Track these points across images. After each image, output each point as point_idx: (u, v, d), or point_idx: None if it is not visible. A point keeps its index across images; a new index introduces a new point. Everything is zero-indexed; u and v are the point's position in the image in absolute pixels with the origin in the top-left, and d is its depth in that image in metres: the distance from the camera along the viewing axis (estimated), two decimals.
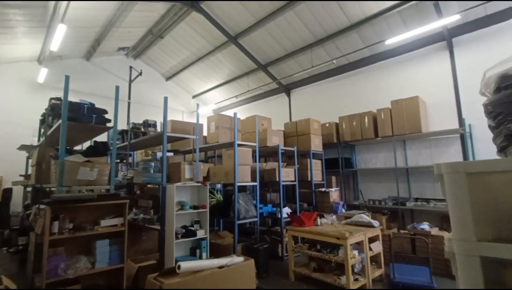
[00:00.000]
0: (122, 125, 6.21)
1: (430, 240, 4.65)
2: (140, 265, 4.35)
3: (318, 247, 4.34)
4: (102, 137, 5.51)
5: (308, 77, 9.49)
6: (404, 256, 3.92)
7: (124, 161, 8.03)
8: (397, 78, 7.46)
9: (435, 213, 6.45)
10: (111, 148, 4.42)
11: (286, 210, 5.87)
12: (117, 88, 4.35)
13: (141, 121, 6.31)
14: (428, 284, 3.85)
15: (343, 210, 6.37)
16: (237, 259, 3.93)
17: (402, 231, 5.32)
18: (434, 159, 6.70)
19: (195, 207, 4.40)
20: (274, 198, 7.43)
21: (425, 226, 4.99)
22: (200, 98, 13.44)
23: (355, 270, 4.17)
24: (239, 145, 5.38)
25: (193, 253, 4.32)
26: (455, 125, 6.35)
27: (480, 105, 5.64)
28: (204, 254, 4.21)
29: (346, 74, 8.61)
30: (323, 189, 6.99)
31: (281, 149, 6.25)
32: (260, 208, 6.01)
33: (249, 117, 6.93)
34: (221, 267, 3.71)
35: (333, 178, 7.58)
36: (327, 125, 7.92)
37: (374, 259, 4.50)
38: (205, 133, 6.52)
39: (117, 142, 6.16)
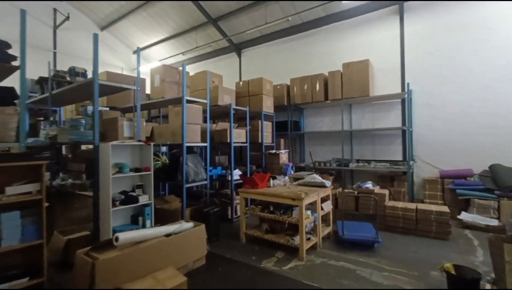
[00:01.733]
0: (42, 73, 4.82)
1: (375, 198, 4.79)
2: (69, 238, 3.57)
3: (271, 208, 4.09)
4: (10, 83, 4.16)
5: (260, 36, 8.76)
6: (353, 213, 3.96)
7: (51, 119, 6.51)
8: (350, 41, 7.27)
9: (373, 173, 6.80)
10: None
11: (237, 173, 5.49)
12: (23, 12, 3.13)
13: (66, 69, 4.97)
14: (374, 239, 3.95)
15: (292, 172, 6.25)
16: (186, 225, 3.44)
17: (346, 191, 5.43)
18: (376, 123, 6.92)
19: (136, 170, 3.65)
20: (223, 160, 6.97)
21: (369, 185, 5.14)
22: (142, 54, 11.59)
23: (307, 230, 4.08)
24: (188, 101, 4.62)
25: (135, 221, 3.66)
26: (398, 90, 6.53)
27: (421, 71, 5.73)
28: (148, 222, 3.60)
29: (299, 34, 8.12)
30: (273, 151, 6.75)
31: (233, 109, 5.67)
32: (210, 170, 5.50)
33: (199, 72, 6.08)
34: (168, 235, 3.18)
35: (282, 141, 7.39)
36: (278, 87, 7.49)
37: (324, 218, 4.47)
38: (148, 91, 5.50)
39: (36, 94, 4.81)
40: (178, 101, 4.66)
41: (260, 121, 6.55)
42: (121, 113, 6.08)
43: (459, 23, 5.96)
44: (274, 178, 4.69)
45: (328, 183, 4.31)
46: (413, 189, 6.10)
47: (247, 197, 4.33)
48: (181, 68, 4.79)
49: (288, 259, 3.72)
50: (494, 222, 5.09)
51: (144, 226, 3.55)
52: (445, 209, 4.70)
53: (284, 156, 6.76)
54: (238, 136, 5.72)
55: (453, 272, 2.91)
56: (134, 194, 3.54)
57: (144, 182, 3.78)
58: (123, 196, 3.44)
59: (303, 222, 3.61)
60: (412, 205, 4.94)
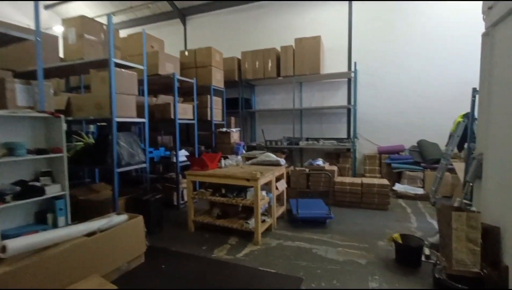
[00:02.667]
0: None
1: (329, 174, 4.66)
2: None
3: (223, 191, 3.57)
4: None
5: (208, 3, 7.74)
6: (306, 191, 3.73)
7: None
8: (302, 17, 6.87)
9: (320, 150, 6.81)
10: None
11: (183, 153, 4.76)
12: None
13: None
14: (327, 215, 3.79)
15: (244, 151, 5.80)
16: (118, 218, 2.68)
17: (298, 168, 5.23)
18: (325, 102, 6.85)
19: (40, 152, 2.65)
20: (167, 141, 6.10)
21: (320, 162, 5.01)
22: (57, 10, 9.01)
23: (262, 211, 3.71)
24: (118, 65, 3.62)
25: (42, 220, 2.73)
26: (345, 69, 6.49)
27: (367, 52, 5.59)
28: (61, 219, 2.71)
29: (251, 5, 7.36)
30: (223, 130, 6.11)
31: (178, 80, 4.81)
32: (150, 152, 4.66)
33: (134, 34, 4.96)
34: (90, 233, 2.41)
35: (233, 119, 6.82)
36: (228, 60, 6.74)
37: (278, 197, 4.16)
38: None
39: None
40: (103, 65, 3.61)
41: (209, 96, 5.79)
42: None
43: (399, 7, 6.07)
44: (225, 158, 4.15)
45: (283, 161, 3.97)
46: (355, 165, 6.27)
47: (195, 180, 3.71)
48: (106, 25, 3.70)
49: (243, 245, 3.30)
50: (421, 191, 5.54)
51: (55, 226, 2.66)
52: (386, 182, 4.86)
53: (235, 135, 6.20)
54: (184, 112, 4.90)
55: (400, 241, 2.91)
56: (37, 184, 2.59)
57: (54, 168, 2.82)
58: (18, 188, 2.46)
59: (258, 204, 3.20)
60: (358, 180, 5.00)
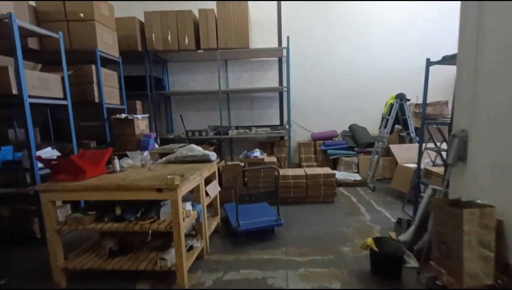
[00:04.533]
0: None
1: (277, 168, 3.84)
2: None
3: (119, 211, 2.27)
4: None
5: None
6: (251, 194, 2.81)
7: None
8: None
9: (252, 140, 6.03)
10: None
11: (49, 153, 3.08)
12: None
13: None
14: (276, 222, 2.96)
15: (156, 146, 4.44)
16: None
17: (230, 163, 4.27)
18: (254, 83, 6.05)
19: None
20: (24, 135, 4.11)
21: (257, 153, 4.16)
22: None
23: (187, 233, 2.60)
24: None
25: None
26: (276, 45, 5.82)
27: (297, 30, 4.90)
28: None
29: None
30: (123, 116, 4.32)
31: (24, 30, 2.96)
32: None
33: None
34: None
35: (138, 104, 5.21)
36: (125, 20, 4.94)
37: (209, 205, 3.10)
38: None
39: None
40: None
41: (94, 67, 3.96)
42: None
43: None
44: (123, 157, 2.82)
45: (213, 155, 2.91)
46: (290, 154, 5.76)
47: (61, 199, 2.27)
48: None
49: None
50: (357, 177, 5.41)
51: None
52: (330, 171, 4.42)
53: (142, 123, 4.61)
54: (44, 85, 3.05)
55: (375, 247, 2.33)
56: None
57: None
58: None
59: (180, 226, 2.08)
60: (301, 171, 4.41)
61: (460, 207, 1.72)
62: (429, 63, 3.05)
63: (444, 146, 3.06)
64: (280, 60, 5.94)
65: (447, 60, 2.79)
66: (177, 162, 2.87)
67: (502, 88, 1.79)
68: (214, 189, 2.90)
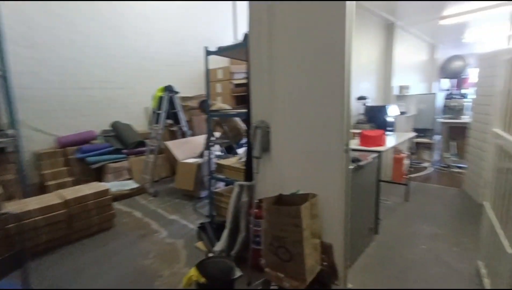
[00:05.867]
0: None
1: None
2: None
3: None
4: None
5: None
6: None
7: None
8: None
9: None
10: None
11: None
12: None
13: None
14: None
15: None
16: None
17: None
18: None
19: None
20: None
21: None
22: None
23: None
24: None
25: None
26: None
27: None
28: None
29: None
30: None
31: None
32: None
33: None
34: None
35: None
36: None
37: None
38: None
39: None
40: None
41: None
42: None
43: None
44: None
45: None
46: (22, 173, 3.80)
47: None
48: None
49: None
50: (133, 184, 4.69)
51: None
52: (101, 186, 3.33)
53: None
54: None
55: (201, 279, 1.88)
56: None
57: None
58: None
59: None
60: (53, 198, 2.91)
61: (288, 204, 1.65)
62: (207, 52, 2.95)
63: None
64: None
65: (223, 51, 2.84)
66: None
67: (293, 81, 1.91)
68: None
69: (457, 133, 5.65)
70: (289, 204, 1.64)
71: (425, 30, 5.77)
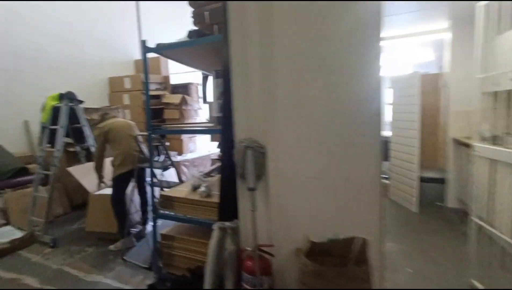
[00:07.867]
0: None
1: None
2: None
3: None
4: None
5: None
6: None
7: None
8: None
9: None
10: None
11: None
12: None
13: None
14: None
15: None
16: None
17: None
18: None
19: None
20: None
21: None
22: None
23: None
24: None
25: None
26: None
27: None
28: None
29: None
30: None
31: None
32: None
33: None
34: None
35: None
36: None
37: None
38: None
39: None
40: None
41: None
42: None
43: None
44: None
45: None
46: None
47: None
48: None
49: None
50: (13, 231, 3.37)
51: None
52: None
53: None
54: None
55: None
56: None
57: None
58: None
59: None
60: None
61: (324, 255, 1.22)
62: (145, 48, 2.24)
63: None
64: None
65: (162, 49, 2.25)
66: None
67: (305, 86, 1.53)
68: None
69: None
70: (326, 255, 1.21)
71: None
